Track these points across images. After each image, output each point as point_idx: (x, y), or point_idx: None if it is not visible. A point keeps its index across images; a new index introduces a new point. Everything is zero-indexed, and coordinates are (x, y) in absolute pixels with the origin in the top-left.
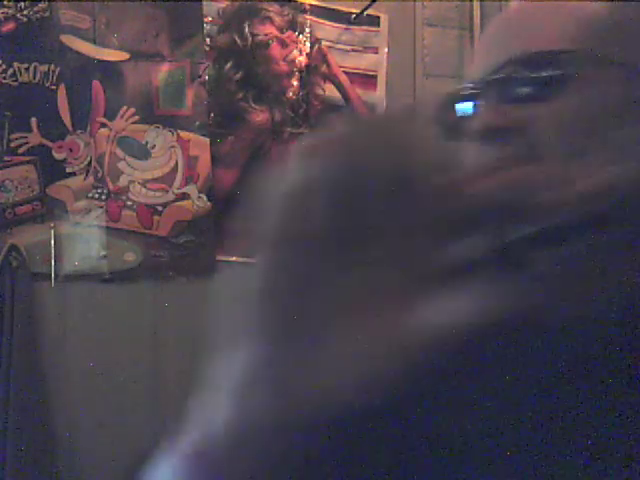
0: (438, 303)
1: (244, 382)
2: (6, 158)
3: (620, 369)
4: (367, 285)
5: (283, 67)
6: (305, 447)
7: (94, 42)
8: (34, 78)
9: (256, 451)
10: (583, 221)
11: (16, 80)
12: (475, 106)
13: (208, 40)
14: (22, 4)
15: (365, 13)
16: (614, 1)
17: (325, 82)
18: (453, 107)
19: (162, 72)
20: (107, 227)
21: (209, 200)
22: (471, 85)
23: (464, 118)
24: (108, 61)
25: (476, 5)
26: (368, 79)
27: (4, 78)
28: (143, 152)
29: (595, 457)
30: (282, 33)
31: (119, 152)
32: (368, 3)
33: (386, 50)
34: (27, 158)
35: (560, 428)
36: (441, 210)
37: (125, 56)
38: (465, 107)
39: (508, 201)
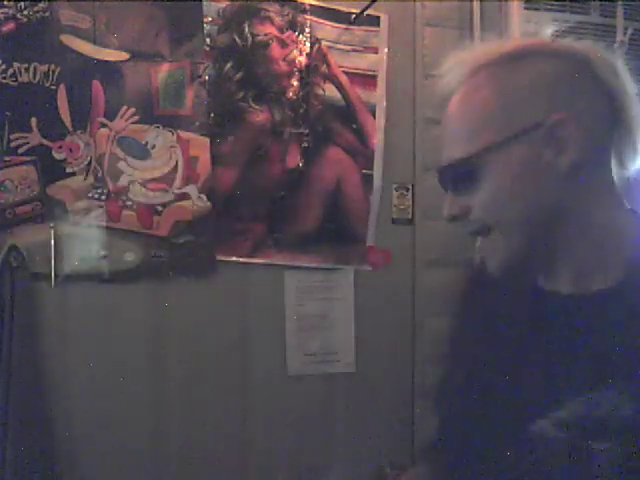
0: None
1: None
2: (6, 158)
3: None
4: None
5: (283, 67)
6: None
7: (94, 42)
8: (34, 78)
9: None
10: None
11: (16, 80)
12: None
13: (208, 40)
14: (22, 4)
15: (365, 13)
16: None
17: (325, 82)
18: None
19: (162, 72)
20: (107, 227)
21: (209, 200)
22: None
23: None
24: (108, 61)
25: (476, 5)
26: (368, 79)
27: (4, 78)
28: (143, 152)
29: None
30: (282, 33)
31: (119, 152)
32: (368, 3)
33: (386, 50)
34: (27, 158)
35: None
36: None
37: (125, 56)
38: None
39: None
